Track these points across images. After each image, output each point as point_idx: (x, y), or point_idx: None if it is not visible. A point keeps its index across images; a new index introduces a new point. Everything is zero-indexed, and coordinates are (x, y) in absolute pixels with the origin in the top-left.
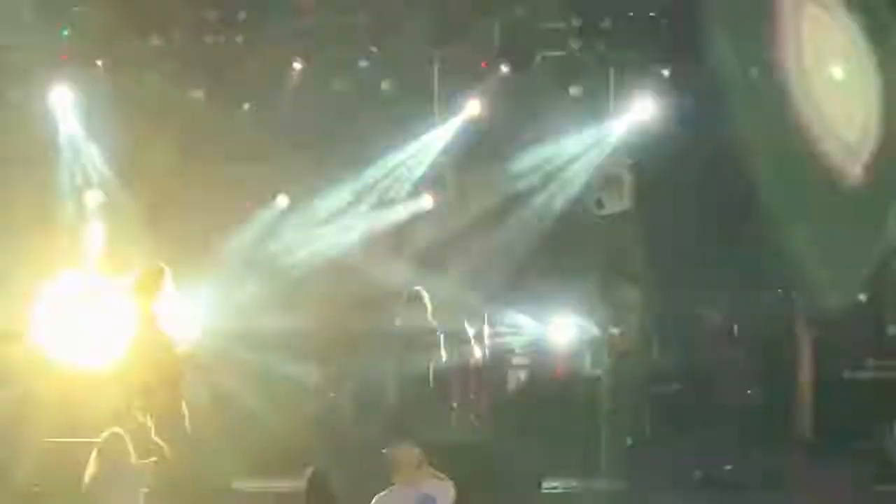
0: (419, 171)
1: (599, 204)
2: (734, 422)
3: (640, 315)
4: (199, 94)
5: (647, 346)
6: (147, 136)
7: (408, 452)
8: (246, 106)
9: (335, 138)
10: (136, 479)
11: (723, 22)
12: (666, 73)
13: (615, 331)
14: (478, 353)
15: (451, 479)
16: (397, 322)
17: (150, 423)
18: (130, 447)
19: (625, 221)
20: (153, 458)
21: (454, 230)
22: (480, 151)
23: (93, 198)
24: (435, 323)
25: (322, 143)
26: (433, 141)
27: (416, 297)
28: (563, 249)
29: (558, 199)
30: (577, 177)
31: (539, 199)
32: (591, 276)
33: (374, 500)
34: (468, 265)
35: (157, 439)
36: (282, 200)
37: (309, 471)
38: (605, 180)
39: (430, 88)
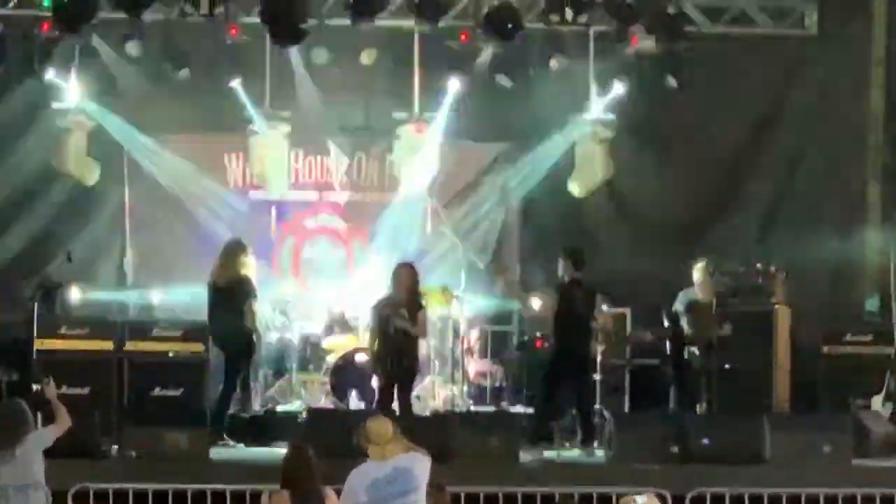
0: None
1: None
2: (712, 395)
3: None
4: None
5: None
6: None
7: (382, 425)
8: None
9: None
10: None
11: None
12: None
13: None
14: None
15: (428, 450)
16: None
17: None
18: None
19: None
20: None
21: None
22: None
23: None
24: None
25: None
26: None
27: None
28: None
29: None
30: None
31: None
32: None
33: (350, 475)
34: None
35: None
36: None
37: (290, 443)
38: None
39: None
